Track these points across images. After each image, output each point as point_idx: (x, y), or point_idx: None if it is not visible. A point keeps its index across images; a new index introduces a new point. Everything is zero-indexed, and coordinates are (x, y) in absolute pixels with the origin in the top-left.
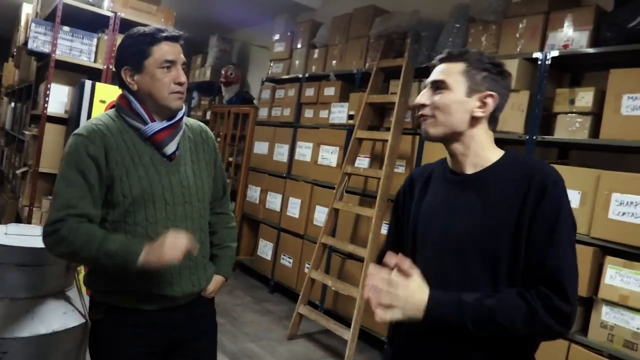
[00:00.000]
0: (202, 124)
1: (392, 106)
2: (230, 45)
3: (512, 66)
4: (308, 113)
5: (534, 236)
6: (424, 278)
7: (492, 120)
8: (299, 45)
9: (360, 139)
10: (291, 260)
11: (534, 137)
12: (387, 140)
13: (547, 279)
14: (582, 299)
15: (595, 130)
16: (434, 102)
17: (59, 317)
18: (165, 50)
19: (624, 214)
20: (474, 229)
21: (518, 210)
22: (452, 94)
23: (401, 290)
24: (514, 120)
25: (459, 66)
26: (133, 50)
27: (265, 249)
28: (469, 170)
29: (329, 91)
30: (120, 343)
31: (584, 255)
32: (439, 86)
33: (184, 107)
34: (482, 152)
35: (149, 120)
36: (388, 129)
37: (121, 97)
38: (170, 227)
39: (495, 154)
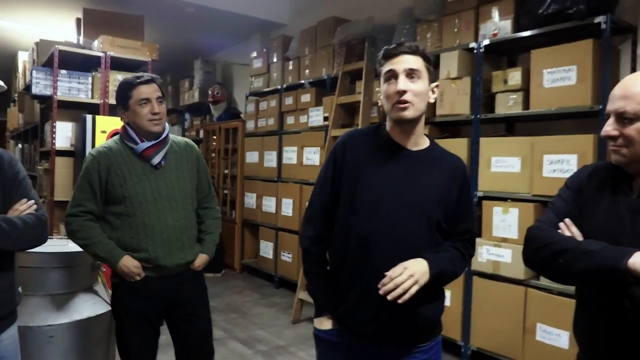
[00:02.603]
0: (188, 140)
1: (359, 105)
2: (213, 66)
3: (453, 57)
4: (289, 120)
5: (461, 211)
6: (375, 239)
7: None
8: (274, 60)
9: (335, 137)
10: (290, 255)
11: (479, 116)
12: None
13: (468, 238)
14: None
15: (526, 103)
16: (412, 90)
17: (90, 306)
18: (141, 92)
19: (554, 171)
20: (424, 199)
21: (450, 191)
22: (424, 82)
23: (410, 269)
24: (460, 103)
25: (420, 60)
26: (121, 95)
27: (266, 249)
28: (413, 147)
29: (305, 98)
30: (130, 300)
31: (528, 211)
32: (415, 75)
33: (166, 128)
34: (421, 133)
35: (139, 141)
36: (358, 125)
37: (122, 127)
38: (161, 217)
39: (425, 137)
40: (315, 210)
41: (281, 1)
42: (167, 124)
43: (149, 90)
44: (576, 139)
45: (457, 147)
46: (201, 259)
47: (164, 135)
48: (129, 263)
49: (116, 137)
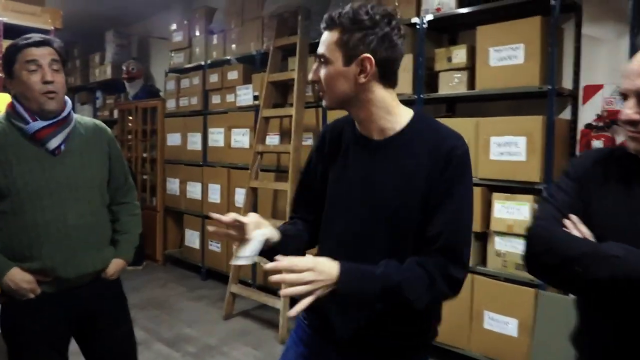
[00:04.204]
0: (97, 122)
1: (293, 83)
2: (127, 39)
3: None
4: (215, 99)
5: (434, 209)
6: (340, 244)
7: (387, 78)
8: (197, 33)
9: (267, 117)
10: (219, 245)
11: (421, 96)
12: (291, 116)
13: (440, 248)
14: (477, 234)
15: (471, 83)
16: (319, 77)
17: None
18: (28, 54)
19: (502, 153)
20: (386, 197)
21: (426, 181)
22: (332, 66)
23: (317, 270)
24: (402, 82)
25: (335, 35)
26: (5, 60)
27: (192, 238)
28: (378, 135)
29: (232, 75)
30: (25, 322)
31: (476, 195)
32: (322, 60)
33: (67, 105)
34: (388, 115)
35: (30, 120)
36: (292, 105)
37: (9, 102)
38: (58, 214)
39: (403, 117)
40: (295, 193)
41: None
42: (68, 100)
43: (40, 53)
44: (525, 120)
45: None
46: (116, 265)
47: (64, 114)
48: (17, 277)
49: (1, 116)
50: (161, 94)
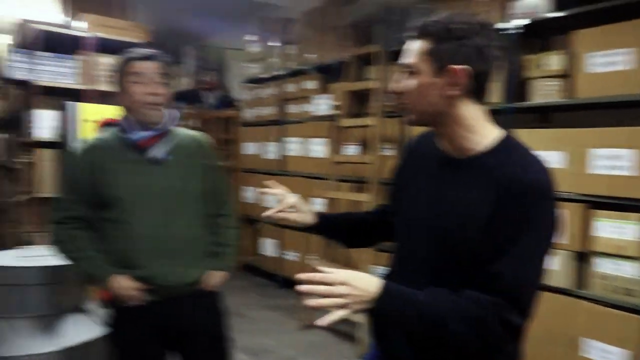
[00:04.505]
0: (197, 134)
1: (371, 92)
2: (205, 51)
3: None
4: (292, 109)
5: (498, 243)
6: (397, 257)
7: (477, 93)
8: (273, 44)
9: (346, 127)
10: (297, 255)
11: (512, 105)
12: (370, 126)
13: (506, 289)
14: (576, 254)
15: (568, 91)
16: (406, 89)
17: (81, 330)
18: (135, 67)
19: (605, 167)
20: (445, 217)
21: (494, 212)
22: (420, 77)
23: (348, 286)
24: (492, 91)
25: (424, 44)
26: (115, 74)
27: (268, 246)
28: (459, 154)
29: (309, 85)
30: (127, 327)
31: (574, 211)
32: (408, 70)
33: (171, 117)
34: (470, 134)
35: (134, 131)
36: (371, 115)
37: (120, 114)
38: (160, 225)
39: (487, 138)
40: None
41: None
42: (173, 112)
43: (145, 67)
44: (631, 132)
45: None
46: (216, 277)
47: (168, 126)
48: (123, 283)
49: (116, 128)
50: (237, 104)
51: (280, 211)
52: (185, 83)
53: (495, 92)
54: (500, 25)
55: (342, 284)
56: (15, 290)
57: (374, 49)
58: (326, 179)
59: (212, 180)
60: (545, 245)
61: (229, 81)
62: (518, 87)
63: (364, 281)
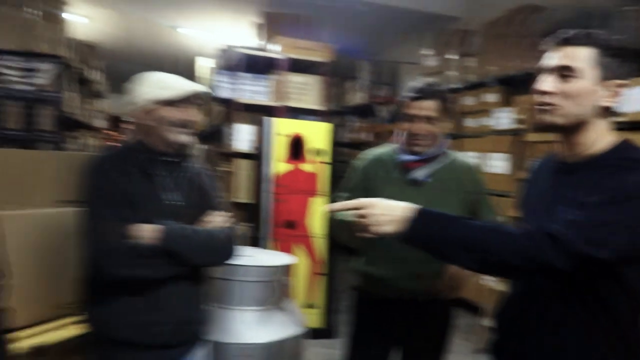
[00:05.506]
0: (468, 162)
1: None
2: (379, 66)
3: None
4: (469, 122)
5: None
6: None
7: (617, 106)
8: (450, 56)
9: (532, 142)
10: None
11: None
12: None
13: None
14: None
15: None
16: (562, 91)
17: (284, 326)
18: (408, 106)
19: None
20: (549, 217)
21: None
22: (582, 82)
23: (379, 207)
24: None
25: (588, 51)
26: (399, 105)
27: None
28: (577, 158)
29: (490, 97)
30: (362, 321)
31: None
32: (566, 73)
33: (440, 146)
34: (597, 141)
35: (403, 153)
36: None
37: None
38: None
39: (606, 142)
40: None
41: None
42: (444, 140)
43: (417, 106)
44: None
45: None
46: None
47: (436, 152)
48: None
49: (393, 147)
50: None
51: None
52: (359, 97)
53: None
54: None
55: (368, 207)
56: (238, 285)
57: None
58: (505, 196)
59: (473, 206)
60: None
61: (403, 95)
62: None
63: (391, 204)
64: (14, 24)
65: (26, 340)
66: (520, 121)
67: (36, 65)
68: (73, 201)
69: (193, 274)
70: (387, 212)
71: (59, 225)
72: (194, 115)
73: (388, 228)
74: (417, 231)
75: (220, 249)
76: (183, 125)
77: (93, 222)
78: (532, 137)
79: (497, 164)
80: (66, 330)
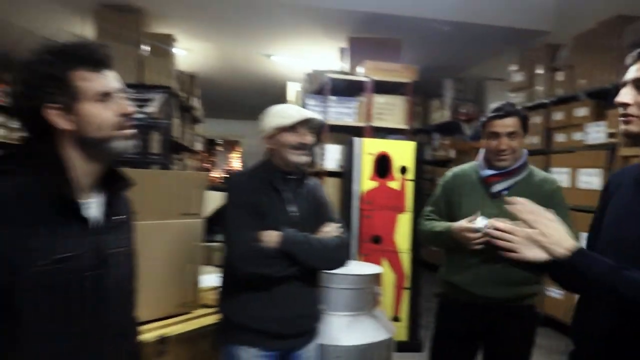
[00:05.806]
0: (548, 176)
1: None
2: (464, 83)
3: None
4: (558, 137)
5: None
6: None
7: None
8: (538, 71)
9: (627, 156)
10: (561, 292)
11: None
12: None
13: None
14: None
15: None
16: (637, 102)
17: (373, 331)
18: (490, 125)
19: None
20: (627, 227)
21: None
22: None
23: (550, 225)
24: None
25: None
26: (480, 124)
27: None
28: None
29: (580, 112)
30: (447, 322)
31: None
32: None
33: (520, 160)
34: None
35: (485, 168)
36: None
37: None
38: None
39: None
40: None
41: (544, 8)
42: (524, 155)
43: (500, 124)
44: None
45: None
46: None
47: (515, 166)
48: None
49: (477, 163)
50: None
51: None
52: (444, 115)
53: None
54: None
55: (548, 220)
56: (334, 291)
57: None
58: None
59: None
60: None
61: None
62: None
63: (560, 231)
64: (132, 60)
65: (152, 332)
66: (612, 135)
67: (148, 96)
68: (193, 214)
69: (308, 276)
70: (556, 239)
71: (184, 234)
72: (309, 138)
73: (558, 251)
74: (574, 266)
75: (331, 255)
76: (300, 147)
77: (230, 229)
78: (625, 151)
79: (589, 179)
80: (186, 324)
